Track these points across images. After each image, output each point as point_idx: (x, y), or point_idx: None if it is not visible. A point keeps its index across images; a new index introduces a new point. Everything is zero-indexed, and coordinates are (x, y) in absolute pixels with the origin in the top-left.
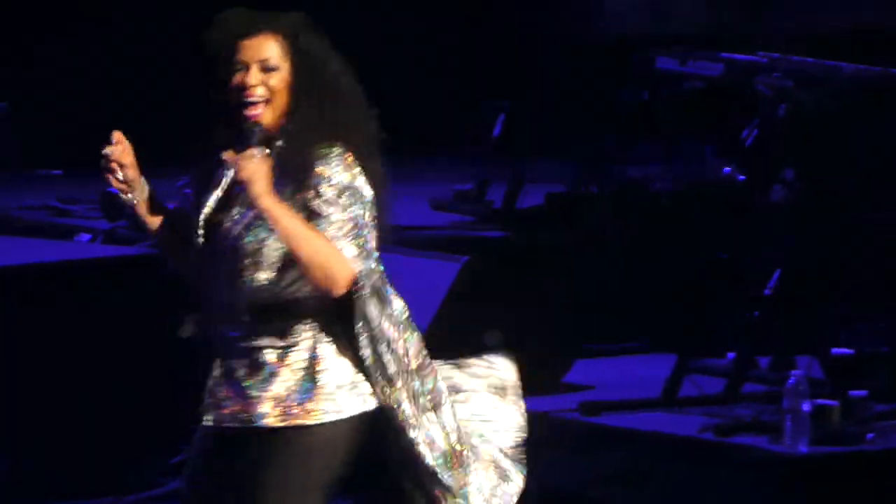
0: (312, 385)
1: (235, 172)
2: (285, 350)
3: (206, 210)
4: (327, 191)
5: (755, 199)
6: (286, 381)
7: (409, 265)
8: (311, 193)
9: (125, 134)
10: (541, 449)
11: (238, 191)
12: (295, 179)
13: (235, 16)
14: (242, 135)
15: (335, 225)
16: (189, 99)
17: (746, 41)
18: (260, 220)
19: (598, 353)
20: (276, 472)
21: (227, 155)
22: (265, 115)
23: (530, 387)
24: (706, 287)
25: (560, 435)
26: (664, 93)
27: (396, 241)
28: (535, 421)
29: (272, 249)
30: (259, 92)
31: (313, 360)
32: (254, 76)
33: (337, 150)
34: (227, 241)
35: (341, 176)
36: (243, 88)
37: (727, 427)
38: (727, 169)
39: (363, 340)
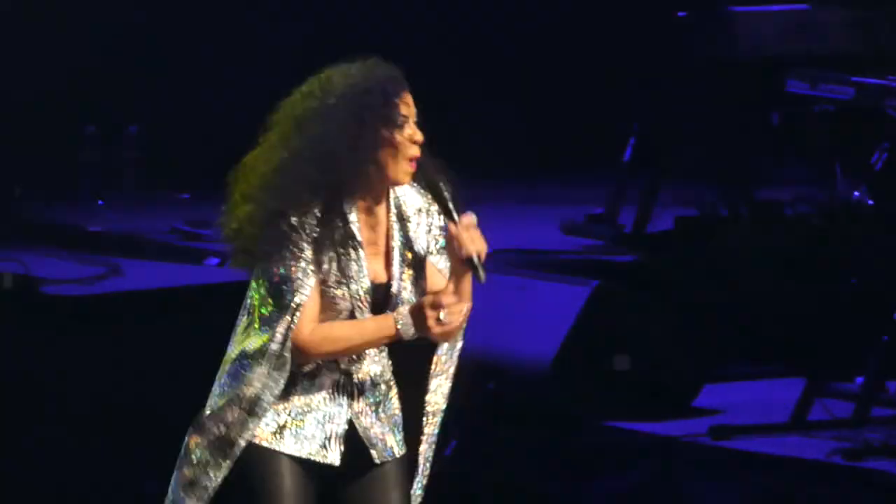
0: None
1: (463, 248)
2: (389, 381)
3: (368, 275)
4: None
5: (885, 223)
6: (395, 410)
7: (540, 289)
8: (436, 232)
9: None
10: (672, 472)
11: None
12: (417, 222)
13: (385, 67)
14: (434, 190)
15: None
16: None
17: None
18: (416, 276)
19: (729, 377)
20: (404, 495)
21: (454, 230)
22: None
23: (660, 410)
24: (837, 311)
25: (690, 458)
26: (798, 115)
27: (528, 264)
28: (665, 444)
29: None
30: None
31: (393, 387)
32: (418, 131)
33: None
34: (395, 298)
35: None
36: (414, 142)
37: (856, 451)
38: (857, 192)
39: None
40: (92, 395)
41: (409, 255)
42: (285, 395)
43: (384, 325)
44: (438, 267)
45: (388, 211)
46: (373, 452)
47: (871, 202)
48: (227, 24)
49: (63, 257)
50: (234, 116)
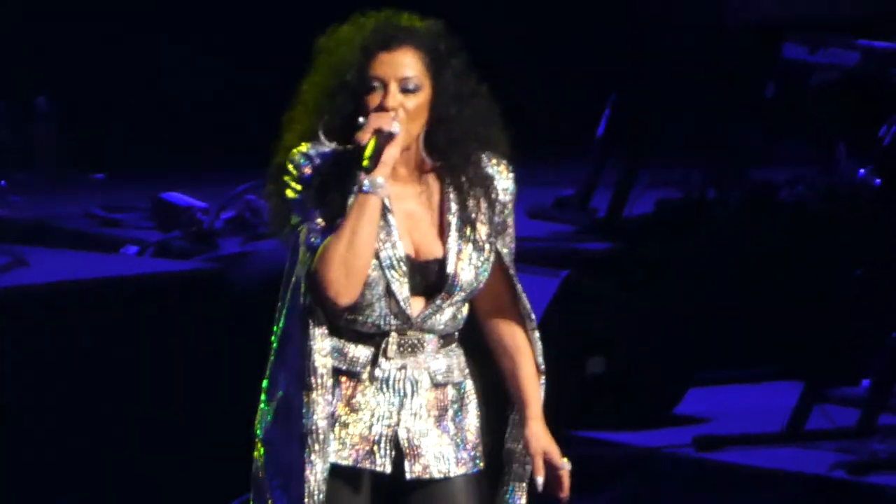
0: (479, 423)
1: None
2: (460, 385)
3: (403, 244)
4: (509, 203)
5: (894, 206)
6: (470, 420)
7: None
8: (499, 207)
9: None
10: (651, 488)
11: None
12: (473, 194)
13: (371, 22)
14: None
15: (512, 235)
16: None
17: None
18: (479, 257)
19: (716, 381)
20: None
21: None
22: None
23: (639, 419)
24: (839, 306)
25: (672, 473)
26: (795, 85)
27: None
28: (644, 457)
29: (483, 283)
30: (396, 116)
31: (469, 394)
32: (392, 97)
33: (500, 160)
34: (452, 279)
35: (513, 185)
36: (380, 109)
37: (862, 464)
38: (862, 171)
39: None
40: None
41: (470, 233)
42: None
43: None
44: (500, 252)
45: (442, 181)
46: (420, 463)
47: (878, 182)
48: None
49: None
50: (157, 87)
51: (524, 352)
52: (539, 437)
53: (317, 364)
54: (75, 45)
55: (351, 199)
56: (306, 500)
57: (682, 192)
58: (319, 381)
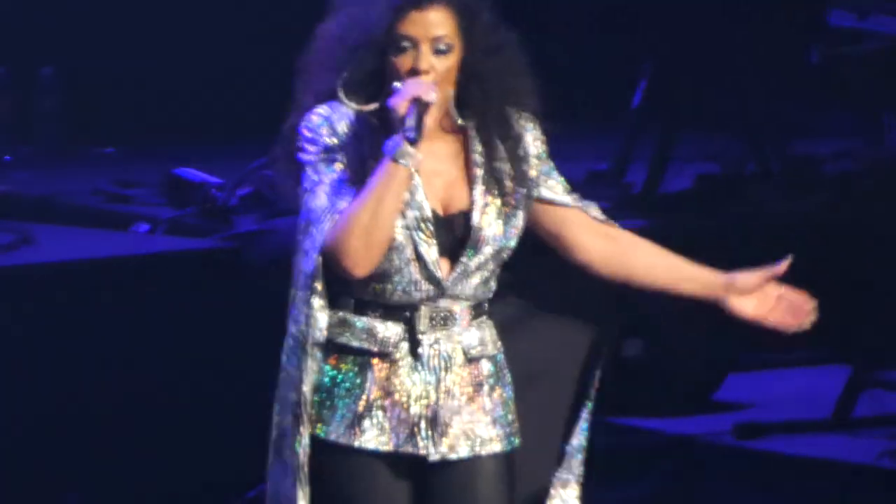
0: (512, 396)
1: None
2: (495, 358)
3: (428, 202)
4: (542, 152)
5: None
6: (507, 393)
7: None
8: (533, 161)
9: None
10: (687, 478)
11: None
12: (500, 149)
13: None
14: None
15: (559, 179)
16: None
17: None
18: (507, 212)
19: (757, 365)
20: (500, 499)
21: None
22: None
23: (676, 405)
24: (887, 286)
25: (711, 462)
26: (842, 53)
27: None
28: (682, 445)
29: (513, 240)
30: (430, 79)
31: (504, 366)
32: (425, 59)
33: (528, 117)
34: (478, 233)
35: (542, 135)
36: (412, 73)
37: None
38: None
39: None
40: None
41: (496, 188)
42: (360, 376)
43: (382, 164)
44: (550, 196)
45: (468, 136)
46: (446, 444)
47: None
48: None
49: None
50: (170, 58)
51: (641, 245)
52: (740, 287)
53: (314, 331)
54: (83, 15)
55: (372, 164)
56: (294, 472)
57: (721, 166)
58: (313, 345)
